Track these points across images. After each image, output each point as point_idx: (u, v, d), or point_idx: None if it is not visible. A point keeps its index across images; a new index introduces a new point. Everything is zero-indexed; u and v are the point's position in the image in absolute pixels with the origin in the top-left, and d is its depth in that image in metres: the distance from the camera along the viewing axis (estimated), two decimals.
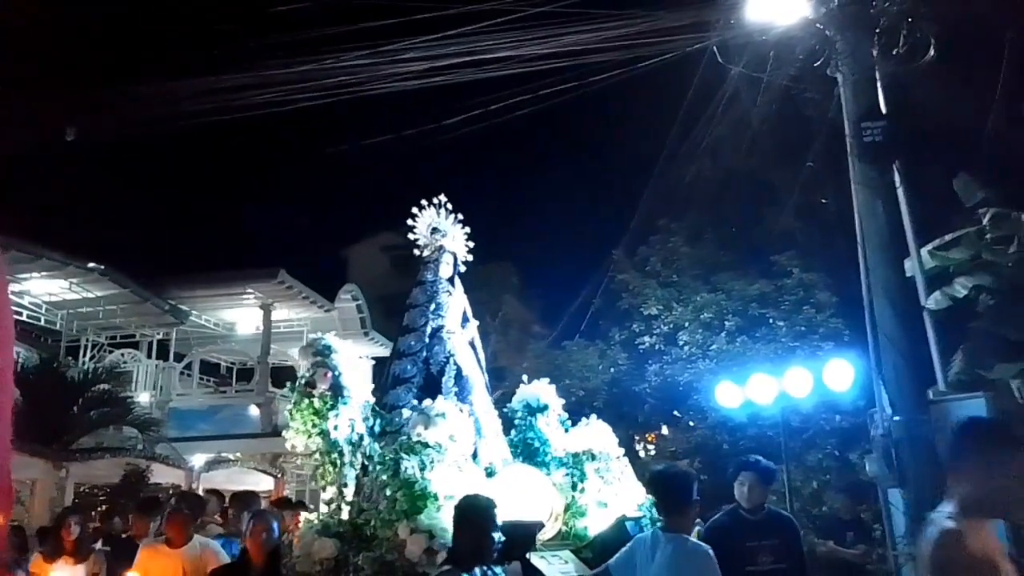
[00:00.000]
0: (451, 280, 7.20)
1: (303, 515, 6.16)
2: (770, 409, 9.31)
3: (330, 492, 5.73)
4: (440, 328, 6.84)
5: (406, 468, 5.24)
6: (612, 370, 14.78)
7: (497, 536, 3.52)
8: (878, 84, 7.69)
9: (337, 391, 5.79)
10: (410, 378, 6.60)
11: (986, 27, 8.80)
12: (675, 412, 14.20)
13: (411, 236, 7.36)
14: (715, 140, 12.49)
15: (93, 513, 11.26)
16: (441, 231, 7.31)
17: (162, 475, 14.04)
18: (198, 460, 15.44)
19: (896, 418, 6.84)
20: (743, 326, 13.62)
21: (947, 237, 9.77)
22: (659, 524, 3.94)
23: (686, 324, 14.06)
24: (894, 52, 7.60)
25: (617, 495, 6.04)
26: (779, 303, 13.57)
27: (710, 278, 14.56)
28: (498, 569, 3.62)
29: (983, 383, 9.00)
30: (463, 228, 7.41)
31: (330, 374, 5.83)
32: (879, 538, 7.96)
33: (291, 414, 5.85)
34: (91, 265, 15.90)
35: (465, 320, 7.12)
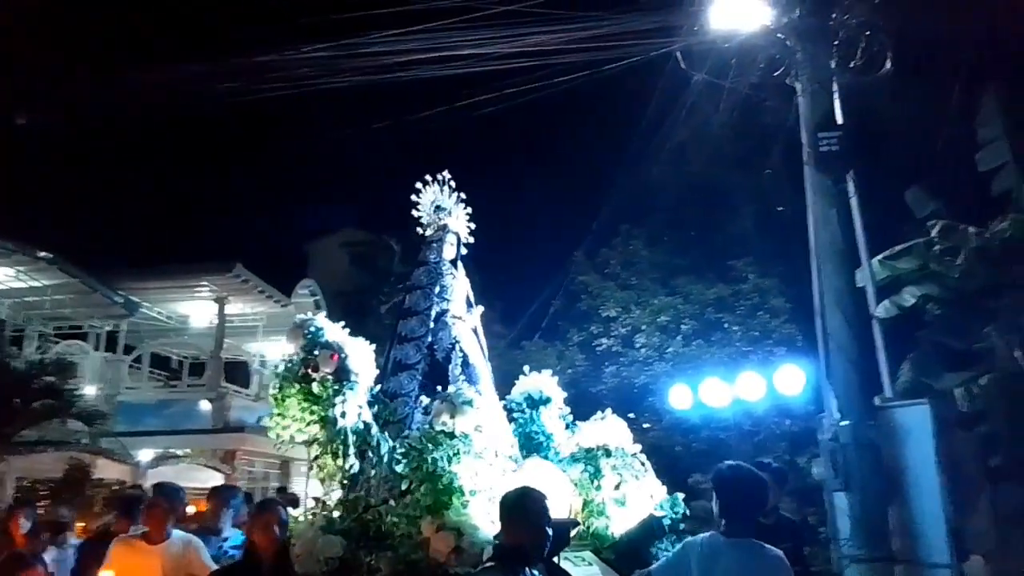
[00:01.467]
0: (454, 262, 6.76)
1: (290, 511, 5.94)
2: (723, 412, 9.44)
3: (322, 486, 5.29)
4: (444, 312, 6.41)
5: (431, 460, 4.80)
6: (570, 371, 14.82)
7: (550, 533, 3.20)
8: (835, 95, 7.82)
9: (343, 375, 5.30)
10: (413, 364, 6.15)
11: (940, 44, 9.03)
12: (630, 414, 14.30)
13: (414, 213, 6.88)
14: (677, 145, 12.63)
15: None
16: (445, 209, 6.84)
17: (107, 470, 13.70)
18: (145, 455, 15.11)
19: (843, 423, 6.96)
20: (699, 330, 13.79)
21: (897, 247, 10.04)
22: (722, 528, 3.47)
23: (643, 327, 14.20)
24: (851, 64, 7.74)
25: (637, 493, 5.62)
26: (735, 308, 13.77)
27: (668, 281, 14.72)
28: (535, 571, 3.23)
29: (928, 391, 9.26)
30: (465, 208, 6.96)
31: (337, 356, 5.32)
32: (824, 540, 8.11)
33: (276, 400, 5.35)
34: (41, 254, 15.46)
35: (469, 306, 6.70)
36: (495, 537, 4.08)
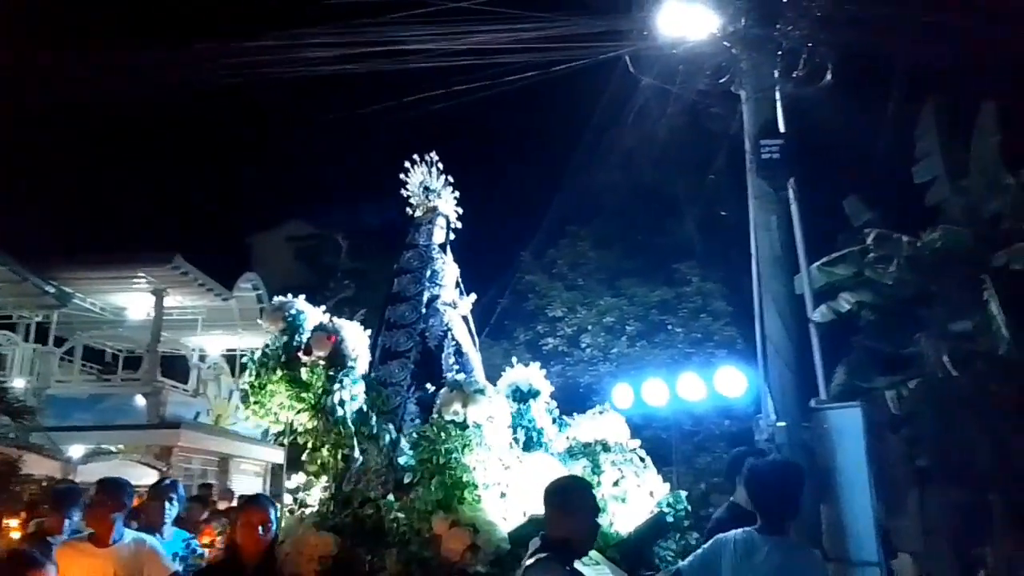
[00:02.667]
0: (443, 247, 6.48)
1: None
2: (664, 412, 9.57)
3: (315, 480, 4.98)
4: (436, 298, 6.14)
5: (444, 452, 4.50)
6: None
7: (600, 525, 3.07)
8: (778, 104, 8.01)
9: (338, 360, 4.97)
10: (404, 352, 5.83)
11: (880, 60, 9.32)
12: (575, 414, 14.41)
13: (403, 193, 6.62)
14: (625, 149, 12.77)
15: None
16: (434, 191, 6.58)
17: (36, 466, 13.19)
18: (76, 451, 14.61)
19: (780, 424, 7.13)
20: (643, 331, 13.99)
21: (834, 255, 10.35)
22: (756, 525, 3.37)
23: (589, 327, 14.34)
24: (794, 75, 7.93)
25: (638, 489, 5.33)
26: (678, 310, 14.01)
27: (614, 283, 14.89)
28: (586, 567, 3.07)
29: (861, 394, 9.55)
30: (453, 192, 6.71)
31: (333, 339, 4.98)
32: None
33: (253, 387, 4.98)
34: None
35: (461, 293, 6.44)
36: (514, 530, 4.04)
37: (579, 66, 8.93)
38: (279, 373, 4.98)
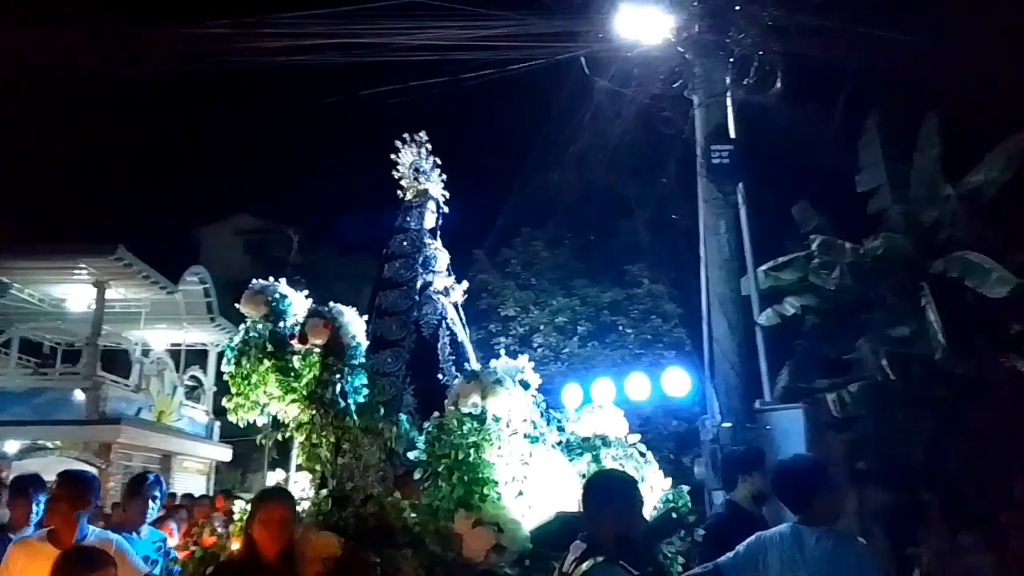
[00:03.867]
0: (433, 232, 6.24)
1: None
2: None
3: (311, 475, 4.73)
4: (428, 285, 5.90)
5: (466, 446, 4.25)
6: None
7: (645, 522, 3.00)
8: (729, 109, 8.14)
9: (339, 349, 4.69)
10: (398, 340, 5.53)
11: (829, 69, 9.54)
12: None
13: (394, 174, 6.36)
14: (579, 150, 12.84)
15: None
16: (425, 173, 6.31)
17: None
18: (11, 447, 14.13)
19: (724, 425, 7.25)
20: (594, 331, 14.10)
21: (781, 259, 10.58)
22: (798, 519, 3.33)
23: (541, 327, 14.40)
24: (745, 81, 8.08)
25: (644, 484, 5.05)
26: (629, 311, 14.15)
27: (567, 283, 14.98)
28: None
29: (803, 395, 9.77)
30: (441, 175, 6.45)
31: (330, 325, 4.69)
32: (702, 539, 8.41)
33: (235, 379, 4.66)
34: None
35: (455, 281, 6.22)
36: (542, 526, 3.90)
37: (535, 66, 8.96)
38: (266, 363, 4.70)
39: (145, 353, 17.66)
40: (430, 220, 6.21)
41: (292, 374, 4.74)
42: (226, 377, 4.88)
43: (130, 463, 15.95)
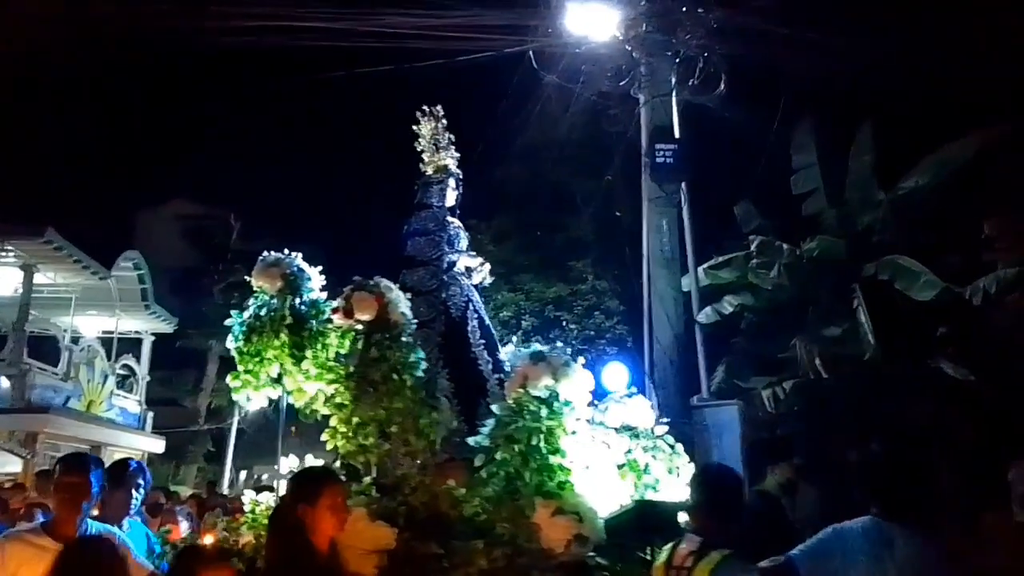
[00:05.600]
0: (452, 210, 5.93)
1: None
2: None
3: (352, 461, 4.32)
4: (453, 264, 5.62)
5: (542, 432, 3.95)
6: None
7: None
8: (674, 109, 8.26)
9: (386, 325, 4.34)
10: (427, 322, 5.19)
11: (772, 72, 9.75)
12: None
13: (416, 147, 6.08)
14: (527, 145, 12.88)
15: None
16: (446, 148, 6.02)
17: None
18: None
19: (663, 420, 7.36)
20: (538, 326, 14.16)
21: (721, 258, 10.78)
22: (878, 512, 3.11)
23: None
24: (690, 82, 8.20)
25: (673, 475, 4.92)
26: (572, 307, 14.25)
27: (512, 278, 15.00)
28: None
29: (739, 392, 9.99)
30: (455, 152, 6.15)
31: (381, 300, 4.37)
32: None
33: (243, 355, 4.37)
34: None
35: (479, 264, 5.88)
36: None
37: (484, 58, 8.94)
38: (282, 338, 4.37)
39: (75, 340, 17.03)
40: (451, 197, 5.94)
41: (318, 351, 4.40)
42: (233, 353, 4.55)
43: (57, 454, 15.40)
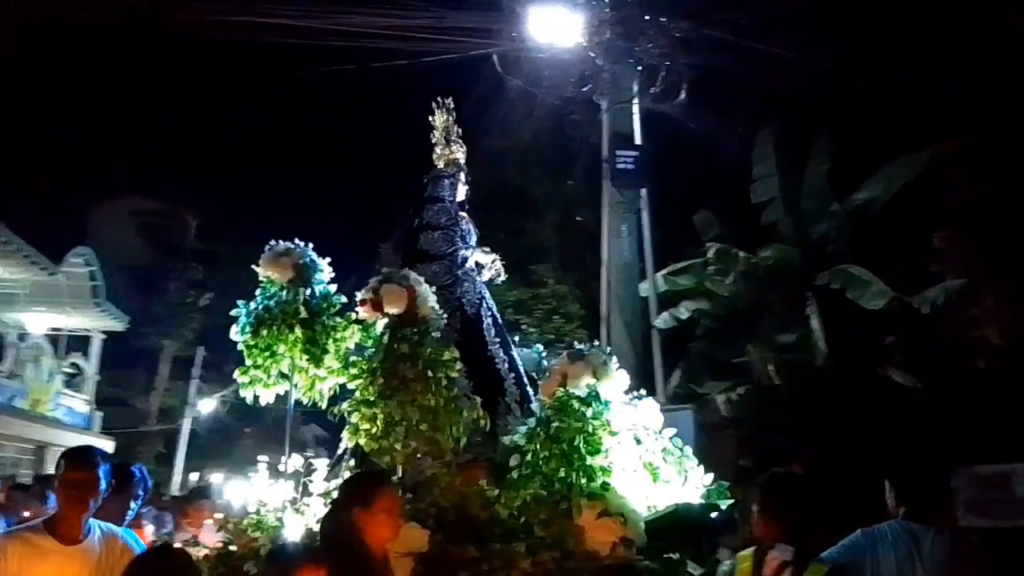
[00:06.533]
0: (462, 205, 5.79)
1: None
2: None
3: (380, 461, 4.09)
4: (466, 260, 5.47)
5: (586, 431, 3.84)
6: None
7: None
8: (635, 116, 8.36)
9: (415, 320, 4.17)
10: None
11: (731, 83, 9.92)
12: None
13: (431, 138, 5.93)
14: (490, 148, 12.89)
15: None
16: (457, 142, 5.87)
17: None
18: None
19: None
20: None
21: (679, 265, 10.93)
22: (905, 514, 3.18)
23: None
24: (651, 90, 8.31)
25: (684, 478, 4.70)
26: (532, 311, 14.27)
27: None
28: None
29: (695, 397, 10.12)
30: (463, 146, 6.01)
31: (413, 293, 4.20)
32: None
33: (252, 350, 4.19)
34: None
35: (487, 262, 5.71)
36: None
37: (448, 60, 8.93)
38: (297, 331, 4.18)
39: (22, 337, 16.57)
40: (461, 192, 5.80)
41: (336, 344, 4.26)
42: (240, 347, 4.34)
43: (2, 454, 14.97)
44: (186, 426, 20.38)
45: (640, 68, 8.30)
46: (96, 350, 18.11)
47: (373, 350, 4.23)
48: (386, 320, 4.23)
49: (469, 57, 8.87)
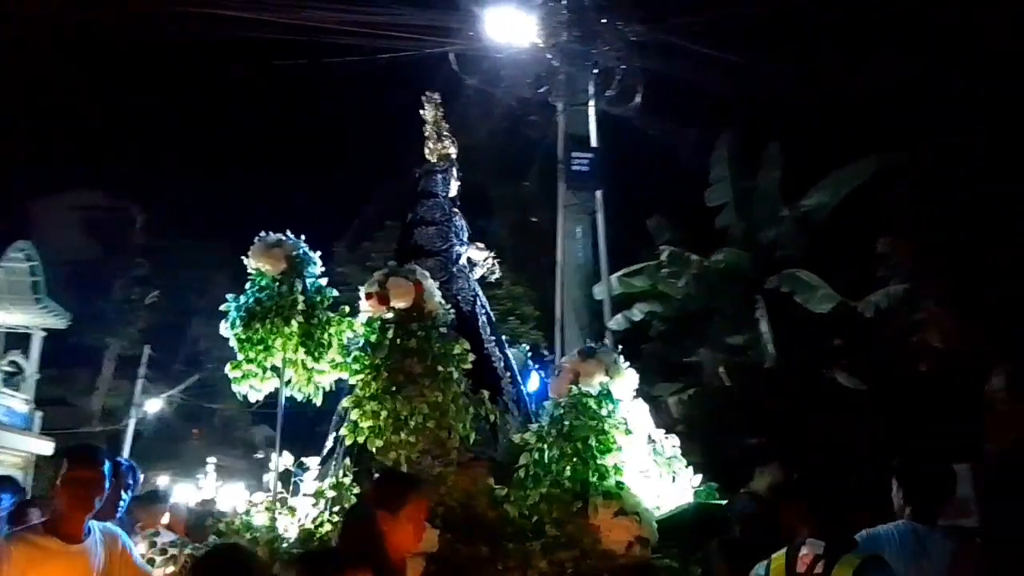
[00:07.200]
0: (454, 201, 5.66)
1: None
2: None
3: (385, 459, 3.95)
4: (459, 256, 5.38)
5: (599, 430, 3.81)
6: None
7: None
8: (590, 118, 8.40)
9: (422, 315, 4.07)
10: None
11: (689, 88, 10.04)
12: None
13: (424, 131, 5.79)
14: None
15: None
16: (449, 137, 5.76)
17: None
18: None
19: None
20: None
21: (632, 267, 11.02)
22: (911, 515, 3.19)
23: None
24: (606, 93, 8.37)
25: (672, 477, 4.67)
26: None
27: None
28: None
29: (648, 398, 10.19)
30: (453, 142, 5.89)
31: (421, 288, 4.11)
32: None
33: (244, 344, 4.06)
34: None
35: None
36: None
37: (404, 57, 8.87)
38: (294, 325, 4.06)
39: None
40: (454, 187, 5.69)
41: (333, 338, 4.17)
42: (232, 342, 4.20)
43: None
44: (131, 427, 19.86)
45: (596, 71, 8.35)
46: (36, 348, 17.52)
47: (375, 345, 4.09)
48: (391, 314, 4.12)
49: (425, 55, 8.82)
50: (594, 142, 8.55)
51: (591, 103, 8.36)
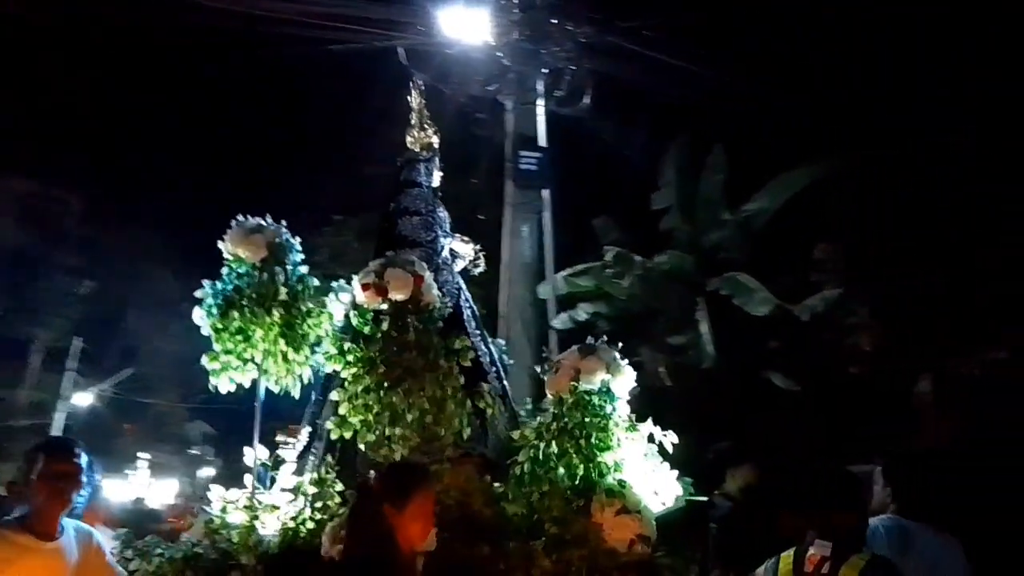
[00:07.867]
0: (436, 192, 5.52)
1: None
2: None
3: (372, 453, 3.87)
4: (443, 248, 5.26)
5: (599, 426, 3.79)
6: None
7: None
8: (539, 118, 8.45)
9: (419, 307, 3.97)
10: None
11: (635, 89, 10.16)
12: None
13: (410, 118, 5.60)
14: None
15: None
16: (432, 126, 5.58)
17: None
18: None
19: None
20: None
21: (578, 267, 11.10)
22: (896, 510, 3.24)
23: None
24: (556, 93, 8.42)
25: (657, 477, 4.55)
26: None
27: None
28: None
29: None
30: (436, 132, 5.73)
31: (422, 281, 4.03)
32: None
33: (221, 334, 3.91)
34: None
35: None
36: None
37: (353, 49, 8.78)
38: (275, 315, 3.92)
39: None
40: (436, 177, 5.56)
41: (303, 328, 4.03)
42: (207, 331, 4.05)
43: None
44: (59, 421, 19.17)
45: (546, 71, 8.40)
46: None
47: (368, 337, 3.99)
48: (386, 306, 4.03)
49: (373, 48, 8.74)
50: (543, 141, 8.60)
51: (540, 102, 8.40)
